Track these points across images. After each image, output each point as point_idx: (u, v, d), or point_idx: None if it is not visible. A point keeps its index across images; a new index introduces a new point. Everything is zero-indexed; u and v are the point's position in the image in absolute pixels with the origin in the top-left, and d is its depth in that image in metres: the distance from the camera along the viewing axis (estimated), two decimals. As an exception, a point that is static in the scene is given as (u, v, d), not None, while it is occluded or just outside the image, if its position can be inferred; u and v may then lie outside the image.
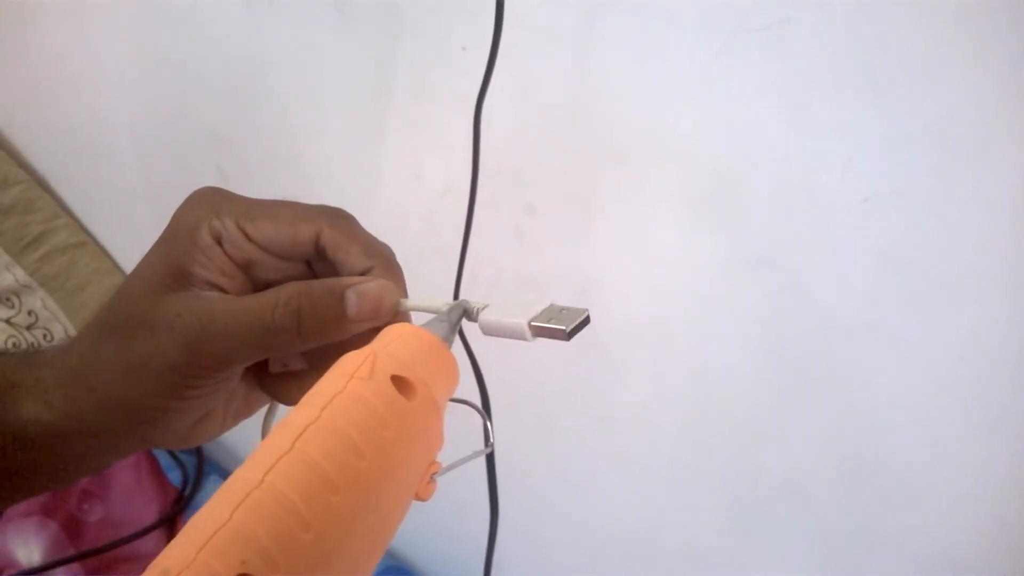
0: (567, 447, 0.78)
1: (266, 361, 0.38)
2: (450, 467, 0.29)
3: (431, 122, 0.69)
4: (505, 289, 0.72)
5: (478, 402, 0.52)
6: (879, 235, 0.56)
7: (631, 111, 0.61)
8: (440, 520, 0.89)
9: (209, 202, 0.35)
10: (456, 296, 0.65)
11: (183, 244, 0.34)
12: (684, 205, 0.62)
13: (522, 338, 0.34)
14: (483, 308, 0.35)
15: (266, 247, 0.35)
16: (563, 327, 0.32)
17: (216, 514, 0.21)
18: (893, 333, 0.58)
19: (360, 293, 0.33)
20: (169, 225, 0.35)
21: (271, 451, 0.23)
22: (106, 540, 0.88)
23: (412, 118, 0.70)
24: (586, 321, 0.33)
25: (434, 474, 0.28)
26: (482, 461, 0.55)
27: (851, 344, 0.60)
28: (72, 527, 0.89)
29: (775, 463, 0.67)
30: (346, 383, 0.25)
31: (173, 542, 0.21)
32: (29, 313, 0.93)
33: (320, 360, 0.36)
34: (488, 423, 0.32)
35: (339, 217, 0.36)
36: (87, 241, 0.97)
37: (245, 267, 0.35)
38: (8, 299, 0.92)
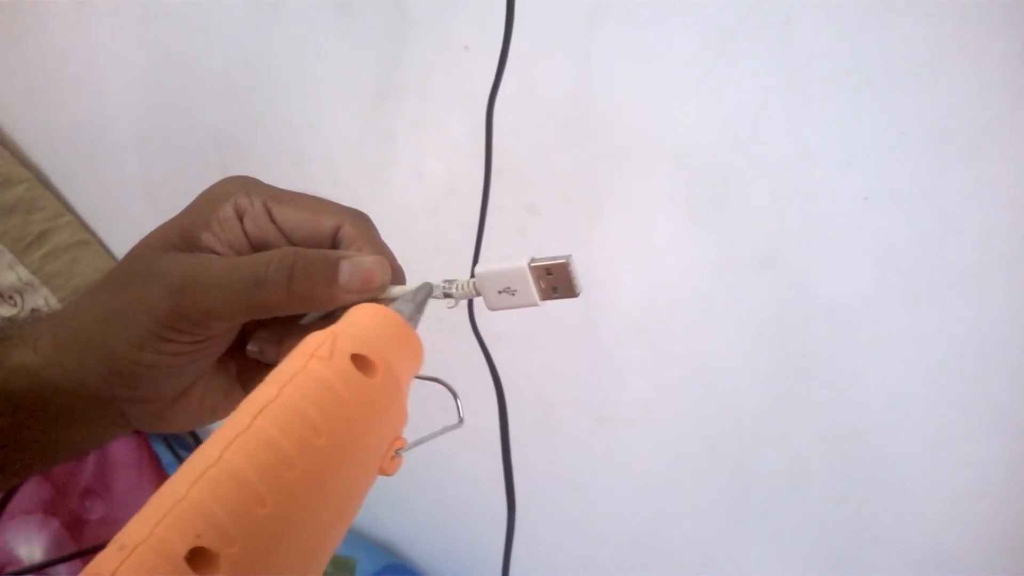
0: (568, 447, 0.78)
1: (245, 351, 0.39)
2: (417, 443, 0.29)
3: (434, 121, 0.70)
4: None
5: (494, 404, 0.52)
6: (879, 234, 0.56)
7: (632, 111, 0.61)
8: (442, 519, 0.89)
9: (241, 182, 0.37)
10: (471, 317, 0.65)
11: (201, 211, 0.36)
12: (685, 205, 0.62)
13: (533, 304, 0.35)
14: (467, 284, 0.36)
15: (287, 231, 0.36)
16: (573, 293, 0.34)
17: (174, 490, 0.22)
18: (893, 332, 0.58)
19: (354, 264, 0.34)
20: (196, 197, 0.37)
21: (230, 429, 0.23)
22: (108, 538, 0.87)
23: (415, 117, 0.70)
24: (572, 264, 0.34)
25: (399, 450, 0.28)
26: (498, 460, 0.55)
27: (851, 343, 0.60)
28: (74, 525, 0.89)
29: (775, 463, 0.67)
30: (306, 362, 0.26)
31: (133, 519, 0.21)
32: (32, 311, 0.93)
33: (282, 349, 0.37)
34: (458, 400, 0.32)
35: (361, 218, 0.37)
36: (89, 240, 0.97)
37: (259, 247, 0.36)
38: (11, 297, 0.92)
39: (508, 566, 0.57)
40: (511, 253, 0.69)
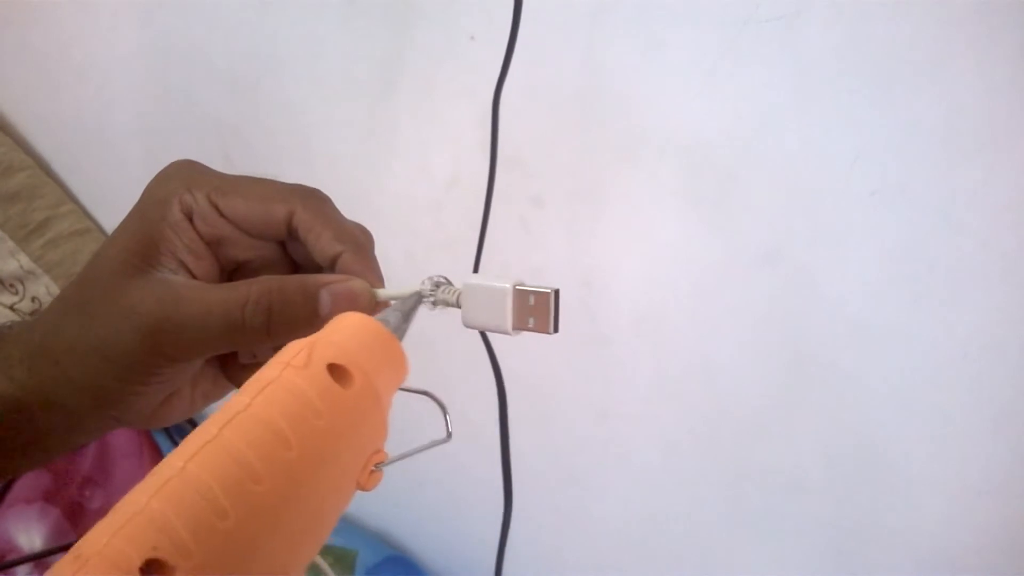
0: (568, 441, 0.78)
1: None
2: (399, 457, 0.28)
3: (439, 113, 0.69)
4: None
5: (495, 398, 0.52)
6: (886, 230, 0.56)
7: (639, 104, 0.61)
8: (443, 511, 0.89)
9: (181, 176, 0.35)
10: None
11: (152, 219, 0.34)
12: (691, 199, 0.61)
13: (504, 332, 0.34)
14: (452, 293, 0.34)
15: (238, 224, 0.35)
16: (547, 329, 0.33)
17: (134, 501, 0.21)
18: (897, 328, 0.58)
19: (334, 293, 0.33)
20: (140, 199, 0.35)
21: (197, 439, 0.23)
22: (108, 527, 0.88)
23: (420, 109, 0.70)
24: (557, 299, 0.33)
25: (379, 464, 0.27)
26: (496, 455, 0.55)
27: (855, 339, 0.60)
28: (74, 514, 0.90)
29: (777, 459, 0.67)
30: (281, 371, 0.25)
31: (93, 527, 0.21)
32: (33, 299, 0.93)
33: None
34: (447, 415, 0.31)
35: (313, 198, 0.35)
36: (92, 228, 0.97)
37: (215, 244, 0.35)
38: (12, 285, 0.92)
39: (502, 561, 0.57)
40: (515, 243, 0.69)
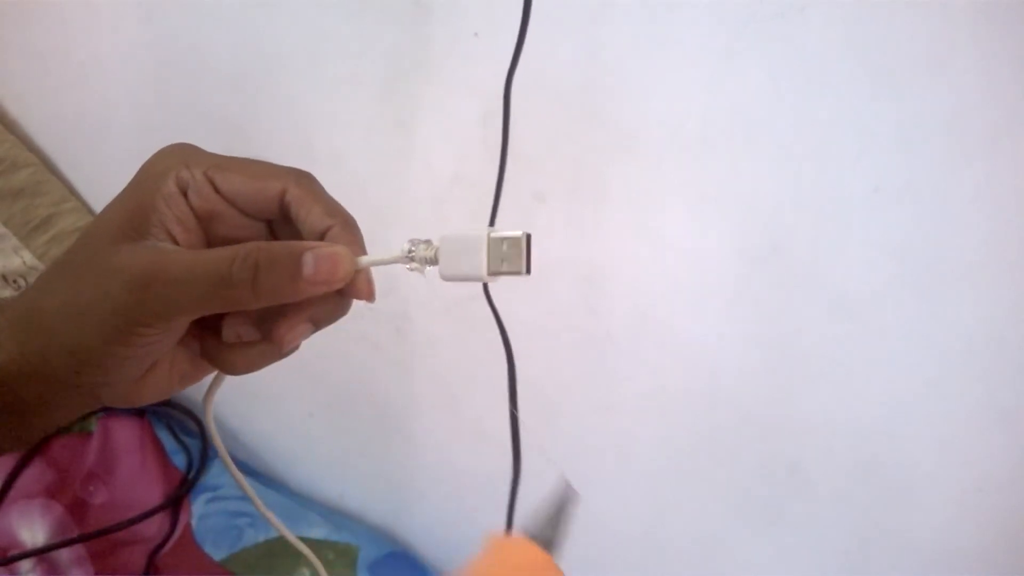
0: (572, 438, 0.78)
1: (211, 329, 0.38)
2: None
3: (442, 109, 0.69)
4: (512, 277, 0.72)
5: (497, 389, 0.52)
6: (889, 226, 0.56)
7: (642, 100, 0.61)
8: (445, 509, 0.89)
9: (179, 154, 0.36)
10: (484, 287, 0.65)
11: (146, 190, 0.35)
12: (693, 194, 0.61)
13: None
14: (430, 249, 0.36)
15: (232, 200, 0.36)
16: (520, 269, 0.35)
17: None
18: (901, 325, 0.58)
19: (317, 257, 0.34)
20: (136, 173, 0.36)
21: None
22: (111, 522, 0.88)
23: (423, 105, 0.70)
24: (528, 242, 0.35)
25: None
26: (499, 449, 0.55)
27: (857, 336, 0.60)
28: (77, 509, 0.90)
29: (780, 456, 0.67)
30: None
31: None
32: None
33: (271, 331, 0.36)
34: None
35: (305, 177, 0.37)
36: (95, 225, 0.97)
37: (207, 220, 0.36)
38: (15, 281, 0.92)
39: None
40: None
